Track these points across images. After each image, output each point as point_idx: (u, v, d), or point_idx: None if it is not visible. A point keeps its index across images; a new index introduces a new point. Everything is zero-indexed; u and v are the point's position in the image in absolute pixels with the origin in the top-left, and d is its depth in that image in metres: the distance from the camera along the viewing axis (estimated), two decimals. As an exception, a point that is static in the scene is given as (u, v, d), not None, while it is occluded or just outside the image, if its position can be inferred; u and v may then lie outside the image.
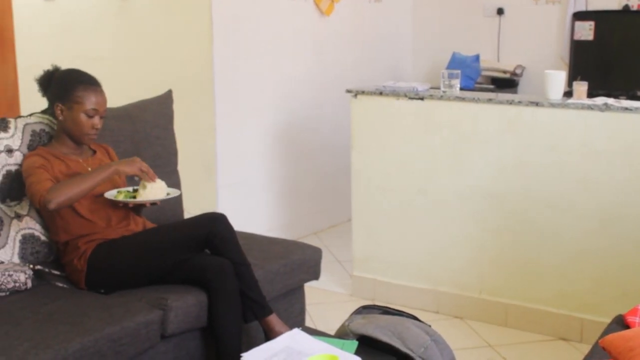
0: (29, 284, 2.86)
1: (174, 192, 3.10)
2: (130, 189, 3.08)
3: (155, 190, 3.00)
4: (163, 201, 3.04)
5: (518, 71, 5.75)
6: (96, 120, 3.01)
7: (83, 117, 2.97)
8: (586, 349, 3.59)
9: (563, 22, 5.63)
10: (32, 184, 2.85)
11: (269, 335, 2.88)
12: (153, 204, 3.03)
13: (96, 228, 3.00)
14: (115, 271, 2.93)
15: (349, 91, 4.17)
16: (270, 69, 4.91)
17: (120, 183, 3.13)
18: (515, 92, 5.67)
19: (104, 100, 3.05)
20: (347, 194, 4.39)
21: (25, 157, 3.00)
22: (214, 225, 2.95)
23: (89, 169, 3.02)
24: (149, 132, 3.49)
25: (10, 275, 2.81)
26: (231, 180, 4.67)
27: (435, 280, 4.06)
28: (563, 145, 3.64)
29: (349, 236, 4.40)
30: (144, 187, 2.98)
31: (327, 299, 4.23)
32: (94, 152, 3.16)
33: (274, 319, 2.91)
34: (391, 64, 6.04)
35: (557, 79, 3.73)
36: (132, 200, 3.00)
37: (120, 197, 3.01)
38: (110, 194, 3.02)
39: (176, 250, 2.94)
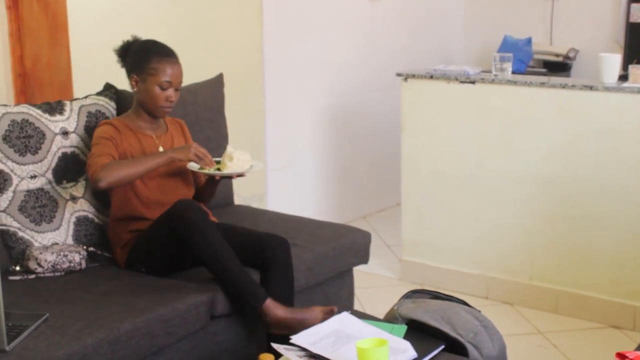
0: (83, 265, 2.91)
1: (257, 165, 3.00)
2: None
3: (241, 162, 2.92)
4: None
5: (571, 54, 5.65)
6: (170, 92, 2.96)
7: (157, 89, 2.94)
8: (639, 337, 3.54)
9: (618, 4, 5.52)
10: (92, 155, 2.86)
11: None
12: (239, 175, 2.96)
13: (146, 212, 2.96)
14: (156, 259, 2.89)
15: (399, 75, 4.15)
16: (320, 53, 4.90)
17: (184, 166, 3.03)
18: (569, 75, 5.57)
19: (180, 73, 3.00)
20: (396, 178, 4.38)
21: (99, 123, 3.01)
22: (275, 251, 2.90)
23: (160, 147, 3.02)
24: (200, 115, 3.51)
25: (65, 256, 2.87)
26: (281, 164, 4.68)
27: (485, 266, 4.03)
28: (617, 130, 3.58)
29: (397, 221, 4.39)
30: (230, 158, 2.90)
31: (376, 283, 4.24)
32: (167, 128, 3.12)
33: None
34: (442, 48, 5.98)
35: (612, 62, 3.66)
36: (218, 172, 2.92)
37: (205, 170, 2.92)
38: (194, 166, 2.94)
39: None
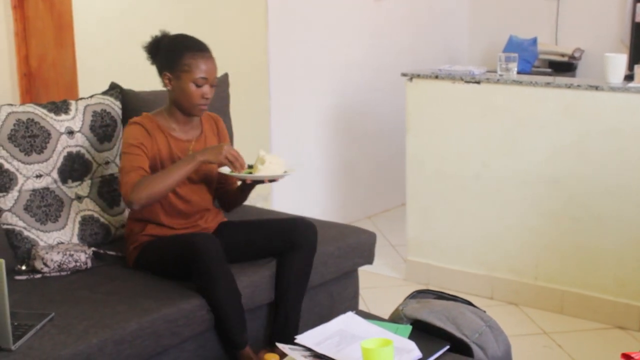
0: (89, 264, 2.92)
1: (291, 170, 2.89)
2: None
3: (274, 166, 2.80)
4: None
5: (577, 54, 5.64)
6: (206, 89, 2.84)
7: (192, 86, 2.82)
8: (644, 337, 3.54)
9: (624, 4, 5.50)
10: (123, 169, 2.77)
11: None
12: (272, 180, 2.84)
13: (166, 220, 2.92)
14: (165, 268, 2.86)
15: (404, 75, 4.14)
16: (325, 53, 4.90)
17: (212, 168, 2.98)
18: (574, 75, 5.56)
19: (214, 68, 2.88)
20: (401, 178, 4.37)
21: (129, 121, 2.89)
22: (305, 234, 2.94)
23: (191, 151, 2.91)
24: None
25: (71, 255, 2.87)
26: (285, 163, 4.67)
27: (490, 266, 4.03)
28: (623, 130, 3.57)
29: (402, 221, 4.39)
30: (262, 161, 2.79)
31: (381, 283, 4.23)
32: (201, 128, 3.00)
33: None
34: (447, 47, 5.98)
35: (618, 62, 3.65)
36: (249, 176, 2.79)
37: (236, 173, 2.82)
38: (225, 169, 2.83)
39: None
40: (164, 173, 2.77)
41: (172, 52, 2.87)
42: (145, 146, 2.83)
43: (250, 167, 2.85)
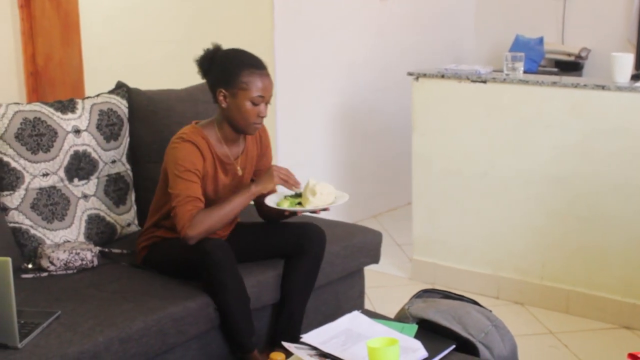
0: (95, 262, 2.92)
1: (342, 197, 2.83)
2: (293, 191, 2.86)
3: (324, 196, 2.76)
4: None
5: (583, 54, 5.63)
6: (262, 107, 2.78)
7: (248, 104, 2.75)
8: (651, 337, 3.53)
9: (631, 3, 5.48)
10: (178, 197, 2.70)
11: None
12: (323, 210, 2.80)
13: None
14: (173, 269, 2.86)
15: (410, 74, 4.14)
16: (331, 52, 4.90)
17: (244, 177, 2.96)
18: (580, 75, 5.54)
19: (271, 85, 2.80)
20: (407, 177, 4.37)
21: (183, 137, 2.78)
22: (312, 240, 2.94)
23: (239, 170, 2.90)
24: (211, 114, 3.50)
25: (77, 254, 2.87)
26: (291, 162, 4.66)
27: (496, 265, 4.02)
28: (630, 129, 3.56)
29: (408, 220, 4.38)
30: (314, 193, 2.75)
31: (387, 283, 4.23)
32: (245, 144, 2.95)
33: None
34: (453, 47, 5.97)
35: (625, 61, 3.64)
36: (300, 209, 2.77)
37: (285, 205, 2.79)
38: (273, 201, 2.80)
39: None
40: (221, 209, 2.74)
41: (228, 68, 2.79)
42: (199, 171, 2.77)
43: (298, 195, 2.83)
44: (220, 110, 2.85)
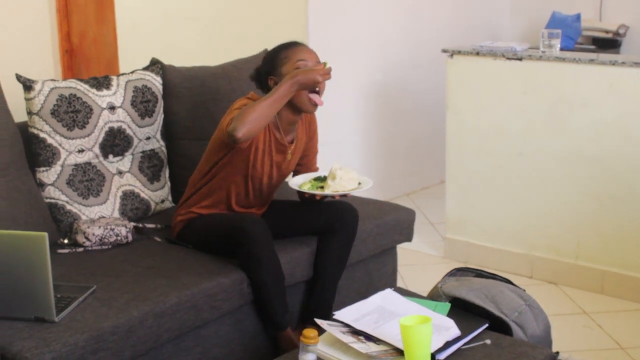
0: (130, 238, 2.95)
1: (366, 183, 2.80)
2: (314, 175, 2.89)
3: (345, 182, 2.75)
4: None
5: (621, 31, 5.54)
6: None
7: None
8: (687, 318, 3.49)
9: (671, -21, 5.39)
10: (222, 121, 2.75)
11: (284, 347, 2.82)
12: (343, 195, 2.79)
13: (233, 206, 2.93)
14: (208, 244, 2.88)
15: (444, 51, 4.10)
16: (365, 29, 4.87)
17: (290, 168, 3.00)
18: (618, 52, 5.47)
19: (311, 52, 2.86)
20: (440, 155, 4.35)
21: (238, 99, 2.85)
22: (345, 219, 2.95)
23: (289, 154, 2.93)
24: (245, 91, 3.50)
25: (112, 229, 2.90)
26: (324, 140, 4.65)
27: (530, 245, 4.00)
28: (668, 108, 3.51)
29: (441, 198, 4.37)
30: (334, 177, 2.75)
31: (419, 261, 4.23)
32: (296, 134, 2.97)
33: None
34: (488, 23, 5.90)
35: (664, 38, 3.58)
36: (319, 192, 2.76)
37: (306, 187, 2.80)
38: (295, 184, 2.83)
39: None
40: (264, 99, 2.65)
41: (268, 59, 2.91)
42: None
43: (321, 179, 2.84)
44: None
